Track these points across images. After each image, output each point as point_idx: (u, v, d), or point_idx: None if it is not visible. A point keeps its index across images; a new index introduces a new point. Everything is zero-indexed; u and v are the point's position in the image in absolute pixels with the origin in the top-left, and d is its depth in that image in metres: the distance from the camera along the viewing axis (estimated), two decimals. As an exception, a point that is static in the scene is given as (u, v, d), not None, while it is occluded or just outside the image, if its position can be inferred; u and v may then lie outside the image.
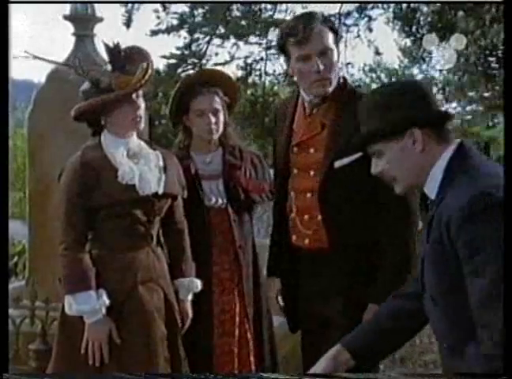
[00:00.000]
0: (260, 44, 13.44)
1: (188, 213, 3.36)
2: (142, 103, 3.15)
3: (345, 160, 2.81)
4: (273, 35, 11.79)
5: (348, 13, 12.70)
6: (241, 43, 13.51)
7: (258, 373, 3.38)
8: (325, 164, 2.98)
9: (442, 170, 2.11)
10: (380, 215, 2.91)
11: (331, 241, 3.01)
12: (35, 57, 3.21)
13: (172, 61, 13.47)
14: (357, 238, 2.96)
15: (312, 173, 3.04)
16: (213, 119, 3.39)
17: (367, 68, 28.36)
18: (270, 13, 13.01)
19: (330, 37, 2.98)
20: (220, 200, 3.41)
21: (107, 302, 3.02)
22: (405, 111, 2.13)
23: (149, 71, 3.06)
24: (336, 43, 3.01)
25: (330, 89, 3.02)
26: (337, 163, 2.87)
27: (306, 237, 3.06)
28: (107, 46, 3.12)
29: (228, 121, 3.49)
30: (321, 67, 2.95)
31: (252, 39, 13.50)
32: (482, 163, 2.10)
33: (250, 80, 13.78)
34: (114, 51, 3.11)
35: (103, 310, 3.00)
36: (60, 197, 3.12)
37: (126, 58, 3.10)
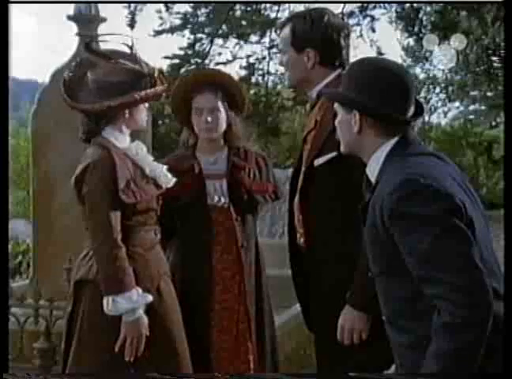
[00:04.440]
0: (262, 43, 13.48)
1: (191, 212, 3.39)
2: None
3: (321, 159, 2.83)
4: (276, 34, 11.81)
5: (351, 13, 12.71)
6: (244, 43, 13.54)
7: (260, 373, 3.40)
8: (308, 162, 2.96)
9: (381, 159, 2.22)
10: (357, 218, 2.74)
11: (307, 241, 2.98)
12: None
13: (175, 61, 13.50)
14: (333, 239, 2.90)
15: (303, 169, 3.03)
16: (210, 118, 3.41)
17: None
18: (273, 14, 13.04)
19: None
20: (222, 199, 3.43)
21: (149, 298, 3.00)
22: (361, 93, 2.21)
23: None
24: None
25: None
26: (316, 162, 2.88)
27: (301, 236, 3.06)
28: (131, 45, 3.14)
29: (234, 121, 3.50)
30: None
31: (255, 38, 13.54)
32: (418, 154, 2.20)
33: (253, 79, 13.81)
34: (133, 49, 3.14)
35: (143, 307, 3.00)
36: (91, 195, 3.01)
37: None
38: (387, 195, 2.08)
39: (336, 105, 2.33)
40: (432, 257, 2.01)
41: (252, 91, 13.57)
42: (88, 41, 3.23)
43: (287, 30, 3.06)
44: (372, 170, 2.25)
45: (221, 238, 3.43)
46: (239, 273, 3.43)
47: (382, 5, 12.91)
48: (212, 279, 3.39)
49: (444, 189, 2.05)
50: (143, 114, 3.16)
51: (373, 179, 2.24)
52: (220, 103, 3.42)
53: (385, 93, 2.19)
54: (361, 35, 13.02)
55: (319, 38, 3.00)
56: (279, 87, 14.56)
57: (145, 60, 3.15)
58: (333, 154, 2.77)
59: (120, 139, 3.11)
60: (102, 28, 5.10)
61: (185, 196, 3.36)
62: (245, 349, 3.42)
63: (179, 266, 3.41)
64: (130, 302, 2.95)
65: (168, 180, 3.19)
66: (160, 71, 3.15)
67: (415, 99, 2.27)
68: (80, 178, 3.04)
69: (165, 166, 3.21)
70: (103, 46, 3.34)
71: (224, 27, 13.33)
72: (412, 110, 2.24)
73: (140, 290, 2.98)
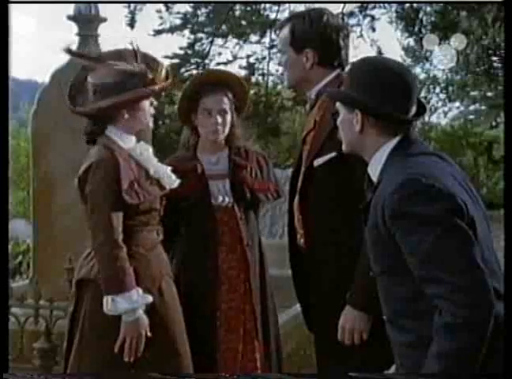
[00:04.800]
0: (262, 43, 13.49)
1: (196, 212, 3.40)
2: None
3: (321, 160, 2.83)
4: (275, 34, 11.81)
5: (351, 13, 12.72)
6: (244, 43, 13.54)
7: (264, 374, 3.39)
8: (307, 162, 2.96)
9: (383, 158, 2.21)
10: (357, 218, 2.54)
11: (307, 241, 2.98)
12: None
13: (175, 61, 13.50)
14: (333, 239, 2.90)
15: (303, 170, 3.02)
16: (220, 120, 3.42)
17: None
18: (273, 14, 13.04)
19: None
20: (226, 199, 3.44)
21: (149, 298, 3.00)
22: (363, 93, 2.21)
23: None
24: None
25: None
26: (316, 162, 2.88)
27: (301, 236, 3.05)
28: (133, 48, 3.13)
29: (236, 122, 3.52)
30: None
31: (254, 38, 13.54)
32: (420, 154, 2.20)
33: (253, 79, 13.80)
34: (140, 53, 3.13)
35: (143, 307, 3.00)
36: (93, 195, 3.00)
37: (147, 61, 3.14)
38: (389, 195, 2.08)
39: (337, 104, 2.32)
40: (433, 256, 2.01)
41: (252, 91, 13.55)
42: (66, 46, 3.23)
43: (286, 30, 3.06)
44: (374, 170, 2.24)
45: (226, 238, 3.43)
46: (245, 272, 3.44)
47: (382, 5, 12.92)
48: (217, 280, 3.39)
49: (446, 189, 2.05)
50: (145, 113, 3.15)
51: (375, 179, 2.24)
52: (228, 105, 3.43)
53: (386, 92, 2.19)
54: (361, 35, 13.04)
55: (318, 38, 3.00)
56: (279, 87, 14.55)
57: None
58: (333, 154, 2.78)
59: (125, 139, 3.12)
60: (102, 28, 5.11)
61: (189, 197, 3.36)
62: (251, 348, 3.42)
63: (185, 267, 3.42)
64: (130, 302, 2.94)
65: (172, 181, 3.20)
66: (165, 67, 3.14)
67: (416, 98, 2.27)
68: (83, 177, 3.05)
69: (169, 168, 3.22)
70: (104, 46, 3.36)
71: (223, 27, 13.33)
72: (414, 109, 2.24)
73: (140, 291, 2.98)
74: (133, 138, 3.17)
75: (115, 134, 3.10)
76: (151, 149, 3.23)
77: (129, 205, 3.01)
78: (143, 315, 2.98)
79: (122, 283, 2.94)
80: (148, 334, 2.99)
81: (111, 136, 3.10)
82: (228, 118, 3.45)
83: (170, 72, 3.17)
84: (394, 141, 2.21)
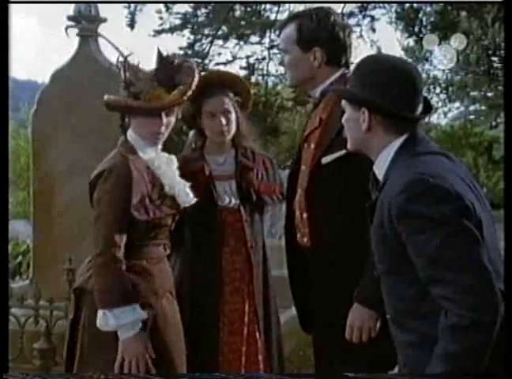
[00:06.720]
0: (262, 44, 13.49)
1: (201, 213, 3.38)
2: (172, 120, 3.03)
3: (329, 158, 2.82)
4: (275, 35, 11.80)
5: (351, 13, 12.71)
6: (244, 44, 13.54)
7: (266, 374, 3.39)
8: (314, 160, 2.95)
9: (390, 157, 2.20)
10: (365, 217, 2.51)
11: (312, 239, 2.98)
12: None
13: (175, 61, 13.44)
14: (340, 237, 2.90)
15: (304, 168, 3.01)
16: (224, 121, 3.41)
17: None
18: (273, 15, 13.04)
19: None
20: (232, 201, 3.43)
21: (143, 315, 2.86)
22: (370, 91, 2.20)
23: (188, 94, 3.01)
24: None
25: None
26: (324, 160, 2.88)
27: (304, 235, 3.05)
28: (160, 54, 3.01)
29: (242, 120, 3.50)
30: None
31: (254, 38, 13.54)
32: (426, 153, 2.18)
33: (252, 79, 13.80)
34: (164, 62, 3.00)
35: (140, 324, 2.85)
36: (100, 203, 2.89)
37: (175, 70, 3.00)
38: (395, 195, 2.07)
39: (343, 102, 2.31)
40: (440, 257, 2.00)
41: (252, 92, 13.54)
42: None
43: (291, 29, 3.04)
44: (380, 169, 2.23)
45: (230, 240, 3.42)
46: (248, 274, 3.44)
47: (382, 5, 12.92)
48: (221, 281, 3.39)
49: (453, 190, 2.04)
50: (153, 123, 3.00)
51: (380, 177, 2.23)
52: (231, 104, 3.43)
53: (393, 90, 2.18)
54: (361, 36, 13.02)
55: (326, 37, 3.00)
56: (279, 87, 14.55)
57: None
58: (342, 152, 2.74)
59: (142, 146, 3.01)
60: (102, 28, 5.12)
61: (195, 197, 3.34)
62: (255, 350, 3.42)
63: (189, 268, 3.40)
64: (118, 319, 2.81)
65: (189, 199, 3.10)
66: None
67: (423, 96, 2.25)
68: (93, 182, 2.95)
69: (188, 184, 3.12)
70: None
71: (223, 27, 13.34)
72: (420, 107, 2.23)
73: (137, 307, 2.85)
74: (154, 148, 3.04)
75: (134, 139, 3.01)
76: (174, 162, 3.12)
77: (138, 219, 2.90)
78: (140, 333, 2.85)
79: (116, 297, 2.81)
80: (150, 352, 2.87)
81: (130, 141, 3.01)
82: (233, 116, 3.44)
83: (187, 90, 3.02)
84: (401, 140, 2.20)
